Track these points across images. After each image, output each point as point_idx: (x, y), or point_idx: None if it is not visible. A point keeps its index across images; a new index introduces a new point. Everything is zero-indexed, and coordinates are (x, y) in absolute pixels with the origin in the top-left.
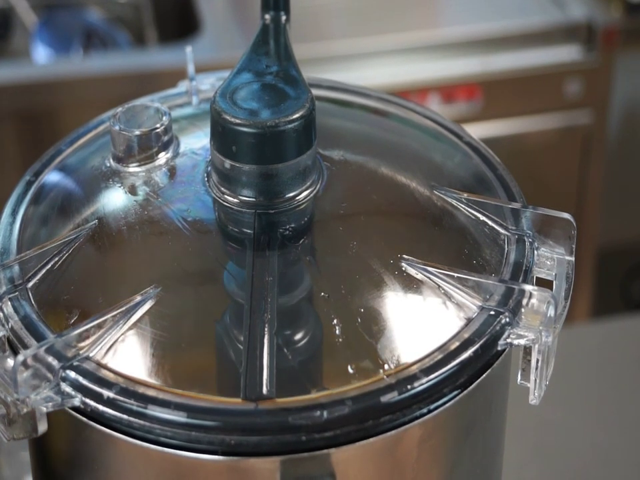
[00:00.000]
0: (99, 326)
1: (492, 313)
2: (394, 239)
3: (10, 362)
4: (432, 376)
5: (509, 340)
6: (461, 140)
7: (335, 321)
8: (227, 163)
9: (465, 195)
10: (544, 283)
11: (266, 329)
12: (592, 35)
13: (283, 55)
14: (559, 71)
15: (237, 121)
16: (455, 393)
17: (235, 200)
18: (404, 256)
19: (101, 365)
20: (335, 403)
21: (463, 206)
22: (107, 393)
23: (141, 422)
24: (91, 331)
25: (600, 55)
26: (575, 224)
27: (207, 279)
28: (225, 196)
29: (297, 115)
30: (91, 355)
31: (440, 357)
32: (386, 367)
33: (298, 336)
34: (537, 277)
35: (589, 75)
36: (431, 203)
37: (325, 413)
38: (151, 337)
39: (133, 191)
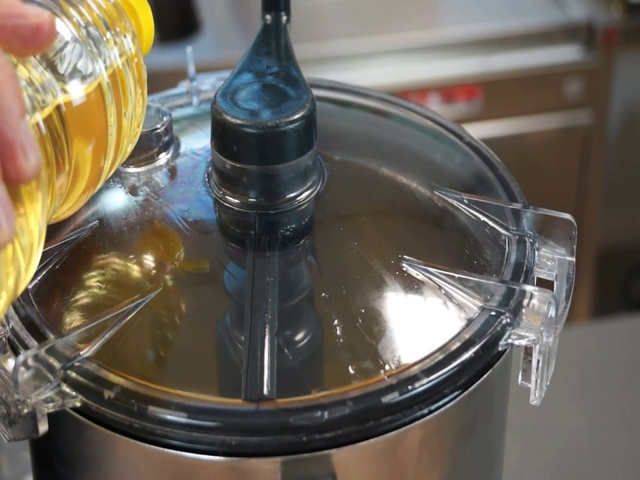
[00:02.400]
0: (100, 326)
1: (493, 313)
2: (395, 239)
3: (11, 362)
4: (433, 376)
5: (509, 340)
6: (462, 140)
7: (336, 322)
8: (228, 164)
9: (466, 195)
10: (545, 284)
11: (267, 330)
12: (592, 34)
13: (283, 55)
14: (559, 71)
15: (238, 122)
16: (456, 393)
17: (236, 200)
18: (405, 256)
19: (101, 366)
20: (336, 403)
21: (464, 206)
22: (107, 394)
23: (142, 422)
24: (91, 332)
25: (600, 55)
26: (575, 224)
27: (208, 279)
28: (226, 196)
29: (297, 116)
30: (91, 355)
31: (441, 357)
32: (387, 367)
33: (299, 336)
34: (537, 278)
35: (589, 74)
36: (431, 203)
37: (326, 414)
38: (152, 337)
39: (133, 191)
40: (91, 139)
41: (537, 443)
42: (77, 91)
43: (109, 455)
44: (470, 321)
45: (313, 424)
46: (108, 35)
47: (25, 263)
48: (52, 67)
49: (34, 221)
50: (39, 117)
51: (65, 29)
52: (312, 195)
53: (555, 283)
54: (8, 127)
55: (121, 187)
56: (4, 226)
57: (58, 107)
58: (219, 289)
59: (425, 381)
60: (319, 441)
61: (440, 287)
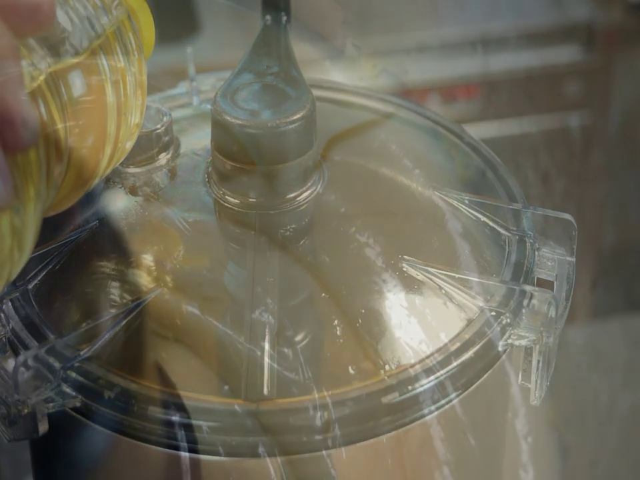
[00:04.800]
0: (100, 327)
1: (493, 313)
2: (395, 239)
3: (11, 362)
4: (433, 377)
5: (509, 341)
6: (462, 140)
7: (336, 322)
8: (228, 164)
9: (466, 195)
10: (545, 284)
11: (267, 330)
12: (592, 35)
13: (283, 55)
14: (559, 71)
15: (238, 122)
16: (456, 393)
17: (236, 201)
18: (405, 256)
19: (101, 366)
20: (336, 403)
21: (464, 207)
22: (107, 394)
23: (142, 422)
24: (91, 332)
25: (600, 55)
26: (575, 224)
27: (208, 279)
28: (226, 196)
29: (297, 116)
30: (91, 355)
31: (441, 357)
32: (387, 367)
33: (299, 337)
34: (537, 278)
35: (589, 75)
36: (431, 203)
37: (326, 414)
38: (152, 337)
39: (133, 191)
40: (89, 131)
41: (537, 442)
42: (75, 75)
43: (109, 455)
44: (470, 321)
45: (313, 424)
46: (105, 19)
47: (18, 252)
48: (50, 49)
49: (31, 204)
50: (39, 99)
51: (62, 13)
52: (312, 195)
53: (555, 283)
54: (7, 92)
55: (120, 187)
56: (0, 190)
57: (59, 94)
58: (219, 289)
59: (424, 381)
60: (318, 441)
61: (440, 287)
